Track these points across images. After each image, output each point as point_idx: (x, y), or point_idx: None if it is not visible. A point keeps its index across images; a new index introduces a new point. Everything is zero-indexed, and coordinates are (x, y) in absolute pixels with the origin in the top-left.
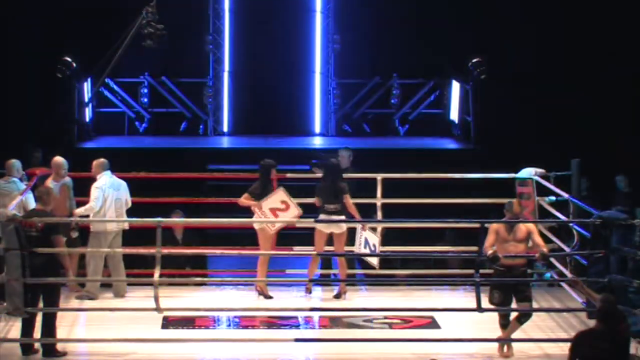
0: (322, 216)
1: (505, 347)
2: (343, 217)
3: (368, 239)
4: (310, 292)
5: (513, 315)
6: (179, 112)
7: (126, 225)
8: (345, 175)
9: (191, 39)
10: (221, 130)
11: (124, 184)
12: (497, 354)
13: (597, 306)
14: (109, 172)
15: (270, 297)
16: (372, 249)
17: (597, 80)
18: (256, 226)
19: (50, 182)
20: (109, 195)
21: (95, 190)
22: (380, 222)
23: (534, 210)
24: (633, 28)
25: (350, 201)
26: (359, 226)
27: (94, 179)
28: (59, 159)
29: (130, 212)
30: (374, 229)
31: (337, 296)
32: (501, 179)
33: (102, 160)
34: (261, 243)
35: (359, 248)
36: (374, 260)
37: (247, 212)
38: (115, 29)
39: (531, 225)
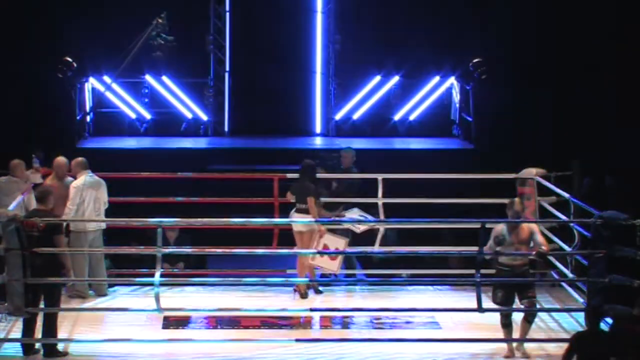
0: (295, 215)
1: (515, 346)
2: (310, 217)
3: (329, 244)
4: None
5: (517, 316)
6: (179, 112)
7: (103, 225)
8: (347, 176)
9: (192, 39)
10: (221, 131)
11: (103, 183)
12: (497, 353)
13: None
14: (88, 172)
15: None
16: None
17: (597, 80)
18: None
19: (52, 181)
20: (87, 194)
21: (72, 190)
22: (381, 222)
23: (535, 210)
24: (632, 27)
25: (312, 203)
26: (316, 232)
27: (73, 178)
28: (61, 159)
29: (129, 213)
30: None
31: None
32: (501, 179)
33: (80, 159)
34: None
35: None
36: (334, 266)
37: (246, 212)
38: (117, 28)
39: (533, 225)
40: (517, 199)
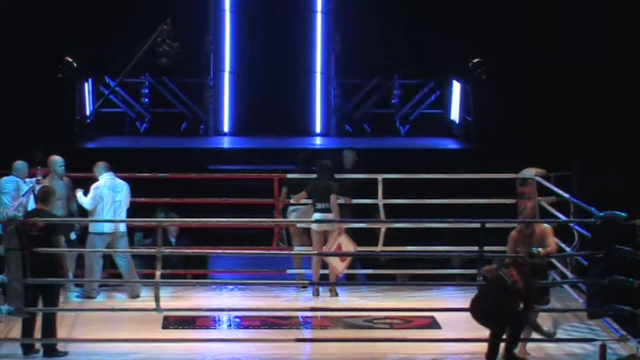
0: (316, 215)
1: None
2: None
3: (342, 245)
4: (318, 295)
5: None
6: (179, 112)
7: (122, 227)
8: (347, 176)
9: (192, 39)
10: (221, 130)
11: (125, 186)
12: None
13: None
14: (109, 174)
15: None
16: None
17: (597, 79)
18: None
19: (50, 181)
20: (105, 196)
21: (91, 190)
22: (381, 222)
23: (535, 210)
24: (631, 28)
25: (335, 201)
26: (335, 230)
27: (95, 180)
28: (56, 157)
29: (129, 213)
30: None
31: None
32: (501, 179)
33: (100, 162)
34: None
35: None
36: (340, 267)
37: (244, 213)
38: (117, 28)
39: (545, 229)
40: (529, 206)
